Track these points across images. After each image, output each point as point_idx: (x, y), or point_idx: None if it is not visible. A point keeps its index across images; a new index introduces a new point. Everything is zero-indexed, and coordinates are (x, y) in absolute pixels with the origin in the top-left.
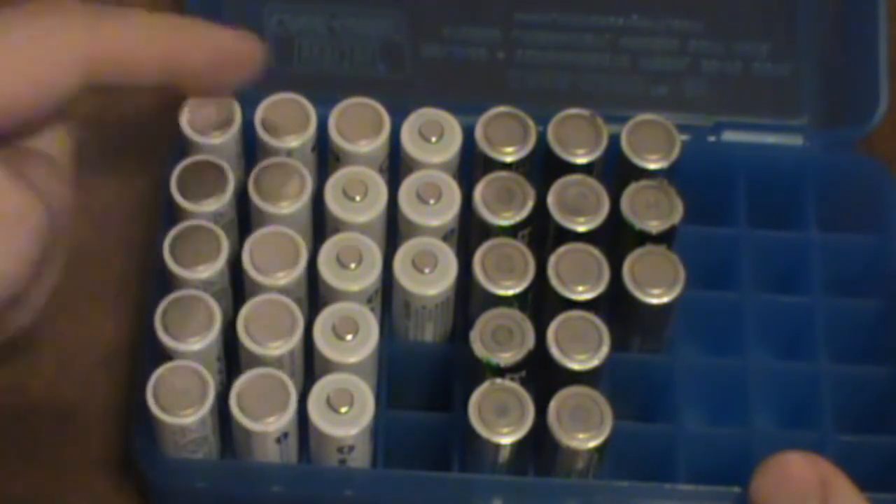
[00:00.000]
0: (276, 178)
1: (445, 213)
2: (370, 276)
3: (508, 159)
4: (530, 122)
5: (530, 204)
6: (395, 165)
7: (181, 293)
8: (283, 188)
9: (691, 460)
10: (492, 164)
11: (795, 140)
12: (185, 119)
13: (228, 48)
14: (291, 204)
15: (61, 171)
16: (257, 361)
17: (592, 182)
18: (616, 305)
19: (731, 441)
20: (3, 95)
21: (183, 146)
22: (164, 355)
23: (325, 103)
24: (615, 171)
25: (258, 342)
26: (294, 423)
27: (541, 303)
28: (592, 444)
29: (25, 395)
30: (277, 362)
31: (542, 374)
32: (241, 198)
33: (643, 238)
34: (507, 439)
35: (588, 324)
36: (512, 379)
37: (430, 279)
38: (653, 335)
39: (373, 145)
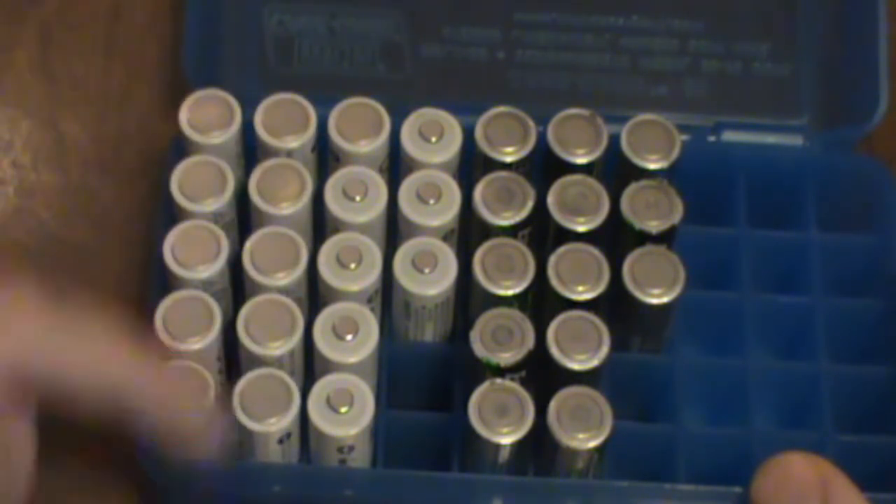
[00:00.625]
0: (277, 179)
1: (445, 213)
2: (370, 276)
3: (508, 159)
4: (530, 122)
5: (530, 204)
6: (395, 165)
7: (181, 293)
8: (284, 189)
9: (691, 460)
10: (492, 164)
11: (795, 140)
12: (184, 118)
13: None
14: (291, 204)
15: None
16: (257, 361)
17: (592, 182)
18: (616, 305)
19: (731, 441)
20: None
21: (183, 146)
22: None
23: (325, 103)
24: (615, 171)
25: (258, 342)
26: (296, 424)
27: (541, 303)
28: (592, 443)
29: None
30: (277, 362)
31: (542, 374)
32: (241, 198)
33: (643, 238)
34: (507, 439)
35: (588, 324)
36: (512, 379)
37: (430, 279)
38: (653, 335)
39: (373, 145)
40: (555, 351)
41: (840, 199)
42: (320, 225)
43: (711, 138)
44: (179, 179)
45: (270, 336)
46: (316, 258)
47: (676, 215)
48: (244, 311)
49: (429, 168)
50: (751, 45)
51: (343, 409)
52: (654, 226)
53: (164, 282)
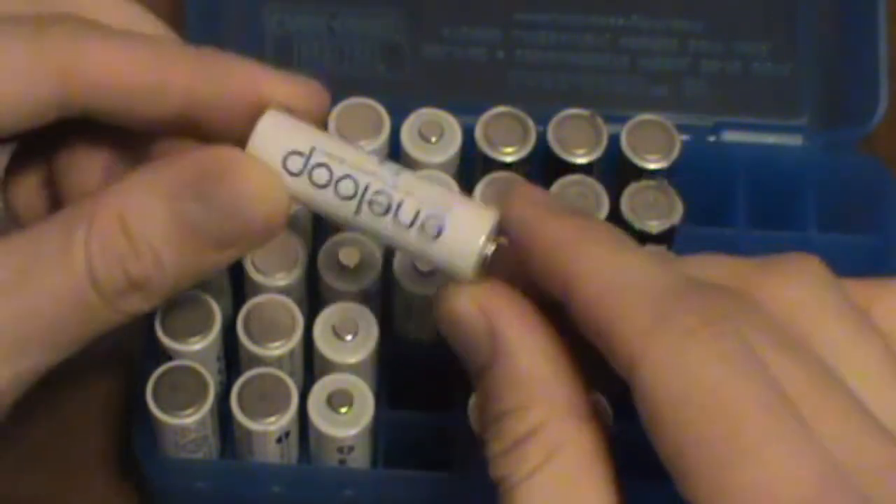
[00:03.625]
0: None
1: None
2: (370, 276)
3: (508, 159)
4: (530, 122)
5: None
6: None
7: (181, 293)
8: None
9: None
10: (492, 164)
11: (795, 140)
12: None
13: (261, 88)
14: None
15: None
16: (257, 361)
17: (592, 182)
18: None
19: None
20: None
21: None
22: (164, 355)
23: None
24: (615, 171)
25: (258, 342)
26: (295, 423)
27: None
28: None
29: (25, 396)
30: (277, 362)
31: None
32: None
33: (643, 238)
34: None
35: None
36: None
37: (430, 279)
38: None
39: (373, 145)
40: None
41: (840, 199)
42: (320, 225)
43: (711, 138)
44: None
45: (270, 336)
46: (316, 258)
47: (676, 215)
48: (244, 311)
49: (429, 168)
50: (751, 45)
51: (343, 409)
52: (654, 226)
53: None
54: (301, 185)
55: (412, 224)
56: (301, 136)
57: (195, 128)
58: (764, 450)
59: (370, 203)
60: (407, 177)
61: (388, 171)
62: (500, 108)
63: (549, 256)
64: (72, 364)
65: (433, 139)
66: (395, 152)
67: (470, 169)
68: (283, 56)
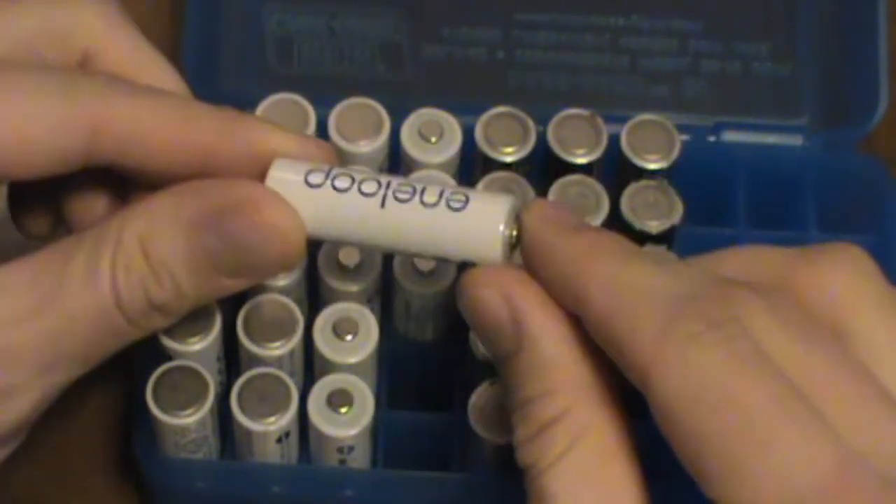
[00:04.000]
0: None
1: None
2: (370, 277)
3: (508, 159)
4: (530, 122)
5: None
6: (395, 165)
7: None
8: None
9: None
10: (492, 164)
11: (795, 140)
12: None
13: (278, 151)
14: None
15: None
16: (257, 361)
17: (592, 182)
18: None
19: None
20: None
21: None
22: (164, 355)
23: (324, 103)
24: (615, 171)
25: (258, 342)
26: (295, 423)
27: None
28: None
29: None
30: (277, 362)
31: None
32: None
33: (643, 238)
34: (506, 439)
35: None
36: None
37: (430, 279)
38: None
39: (373, 145)
40: None
41: (840, 199)
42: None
43: (711, 138)
44: None
45: (270, 336)
46: (316, 258)
47: (676, 215)
48: (244, 311)
49: (429, 168)
50: (751, 45)
51: (343, 409)
52: (654, 226)
53: None
54: (323, 198)
55: (438, 202)
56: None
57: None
58: (777, 438)
59: (395, 193)
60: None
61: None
62: (500, 108)
63: (561, 272)
64: None
65: (433, 139)
66: (395, 152)
67: (470, 169)
68: (283, 56)
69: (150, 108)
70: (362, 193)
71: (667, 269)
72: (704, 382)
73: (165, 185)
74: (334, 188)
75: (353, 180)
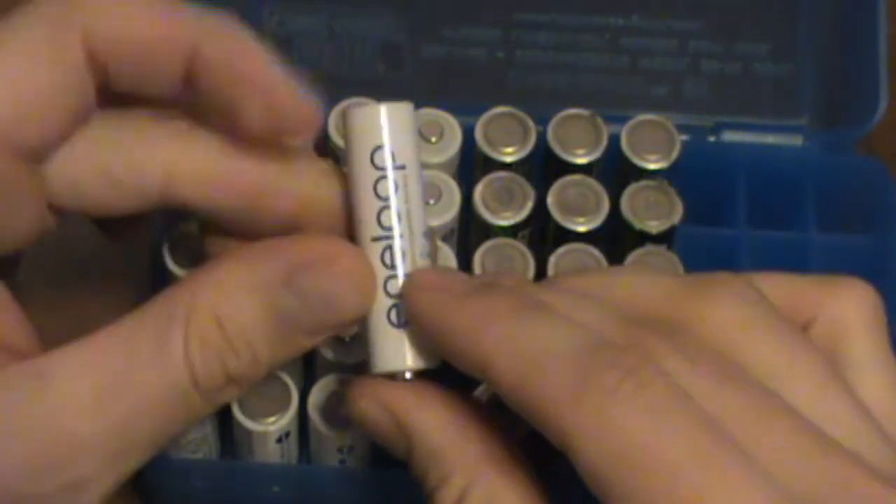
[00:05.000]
0: None
1: (445, 213)
2: None
3: (508, 159)
4: (530, 122)
5: (530, 204)
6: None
7: None
8: None
9: None
10: (492, 164)
11: (795, 140)
12: None
13: (259, 78)
14: None
15: None
16: None
17: (592, 182)
18: None
19: None
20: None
21: None
22: None
23: (324, 103)
24: (615, 171)
25: None
26: (295, 423)
27: None
28: None
29: None
30: None
31: None
32: None
33: (643, 238)
34: None
35: None
36: None
37: None
38: None
39: None
40: None
41: (840, 199)
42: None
43: (711, 138)
44: None
45: None
46: None
47: (676, 215)
48: None
49: (429, 168)
50: (751, 45)
51: (343, 410)
52: (654, 226)
53: (165, 283)
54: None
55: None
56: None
57: (199, 98)
58: (705, 494)
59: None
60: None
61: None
62: (500, 108)
63: (458, 346)
64: None
65: (433, 139)
66: None
67: (470, 169)
68: (283, 56)
69: (135, 5)
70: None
71: (565, 321)
72: (626, 442)
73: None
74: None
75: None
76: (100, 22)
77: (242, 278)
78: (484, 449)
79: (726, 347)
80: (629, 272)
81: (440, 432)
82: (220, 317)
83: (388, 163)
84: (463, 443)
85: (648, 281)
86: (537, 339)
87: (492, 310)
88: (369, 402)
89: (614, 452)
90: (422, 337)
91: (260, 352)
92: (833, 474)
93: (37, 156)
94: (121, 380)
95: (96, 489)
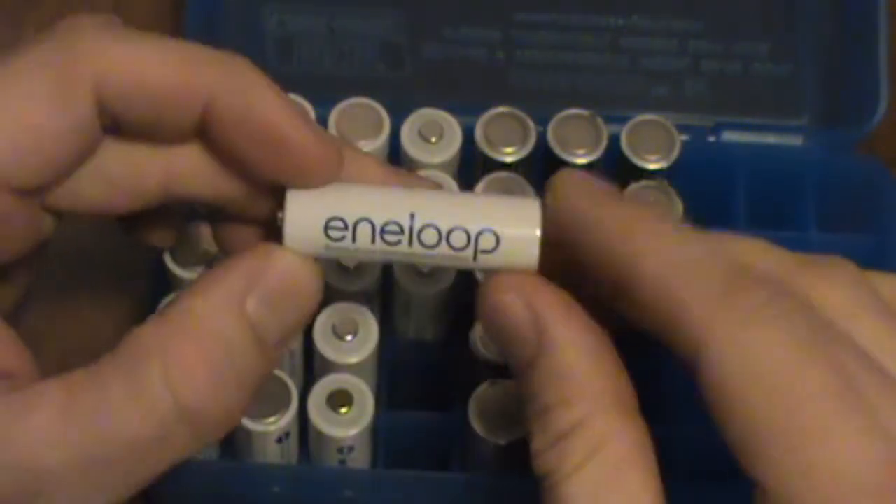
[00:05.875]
0: None
1: None
2: (370, 277)
3: (508, 159)
4: (530, 122)
5: None
6: (395, 166)
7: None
8: None
9: (691, 460)
10: (492, 164)
11: (795, 140)
12: None
13: (273, 123)
14: None
15: None
16: None
17: None
18: None
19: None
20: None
21: None
22: None
23: (325, 103)
24: (615, 171)
25: None
26: (295, 423)
27: None
28: None
29: None
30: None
31: None
32: None
33: None
34: (506, 439)
35: None
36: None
37: (430, 279)
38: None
39: (373, 145)
40: None
41: (840, 199)
42: None
43: (711, 138)
44: None
45: None
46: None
47: (676, 215)
48: None
49: (429, 168)
50: (751, 45)
51: (343, 410)
52: None
53: (164, 282)
54: (345, 251)
55: (467, 246)
56: (329, 206)
57: (215, 143)
58: (830, 431)
59: (420, 237)
60: (443, 199)
61: (423, 199)
62: (500, 108)
63: (604, 244)
64: (72, 363)
65: (433, 139)
66: (395, 152)
67: (470, 169)
68: (283, 56)
69: (145, 52)
70: (385, 242)
71: (716, 240)
72: (762, 361)
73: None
74: (354, 241)
75: (374, 229)
76: (111, 73)
77: (213, 303)
78: (612, 384)
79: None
80: (745, 236)
81: (578, 352)
82: (202, 345)
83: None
84: (596, 372)
85: (762, 248)
86: (689, 247)
87: (643, 216)
88: (516, 297)
89: (747, 368)
90: (561, 234)
91: (246, 381)
92: None
93: (36, 193)
94: (96, 419)
95: None
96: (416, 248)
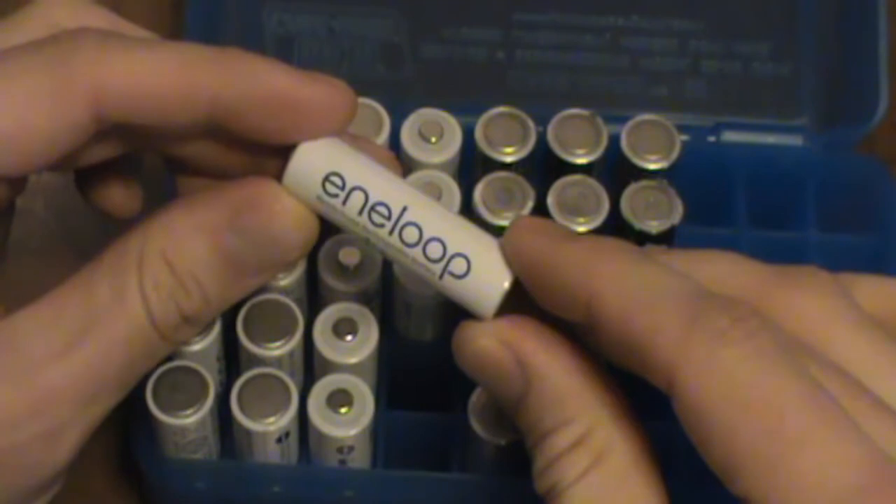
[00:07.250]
0: None
1: None
2: (370, 277)
3: (508, 159)
4: (530, 122)
5: (530, 204)
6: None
7: None
8: None
9: (691, 460)
10: (492, 164)
11: (795, 140)
12: None
13: (284, 91)
14: None
15: None
16: (257, 361)
17: (592, 182)
18: None
19: None
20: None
21: None
22: None
23: None
24: (615, 171)
25: (258, 342)
26: (295, 423)
27: None
28: None
29: None
30: (277, 362)
31: None
32: None
33: (643, 238)
34: (506, 439)
35: None
36: None
37: None
38: None
39: None
40: None
41: (840, 199)
42: (321, 225)
43: (711, 138)
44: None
45: (270, 336)
46: (316, 258)
47: (676, 215)
48: (244, 312)
49: (429, 168)
50: (751, 45)
51: (343, 410)
52: (654, 226)
53: None
54: (332, 213)
55: (440, 260)
56: (337, 161)
57: (225, 130)
58: (810, 438)
59: (401, 232)
60: (439, 210)
61: (422, 201)
62: (500, 108)
63: (568, 280)
64: None
65: (433, 139)
66: (394, 152)
67: (470, 169)
68: (283, 56)
69: (145, 61)
70: (371, 220)
71: (676, 269)
72: (734, 381)
73: (182, 141)
74: (344, 203)
75: (366, 203)
76: (110, 86)
77: (190, 222)
78: (605, 397)
79: (811, 338)
80: (717, 253)
81: (566, 375)
82: (169, 259)
83: (338, 191)
84: (587, 388)
85: (732, 263)
86: (648, 278)
87: (602, 250)
88: (491, 341)
89: (721, 390)
90: (526, 277)
91: (209, 290)
92: None
93: (14, 183)
94: (83, 329)
95: (70, 436)
96: (395, 239)
